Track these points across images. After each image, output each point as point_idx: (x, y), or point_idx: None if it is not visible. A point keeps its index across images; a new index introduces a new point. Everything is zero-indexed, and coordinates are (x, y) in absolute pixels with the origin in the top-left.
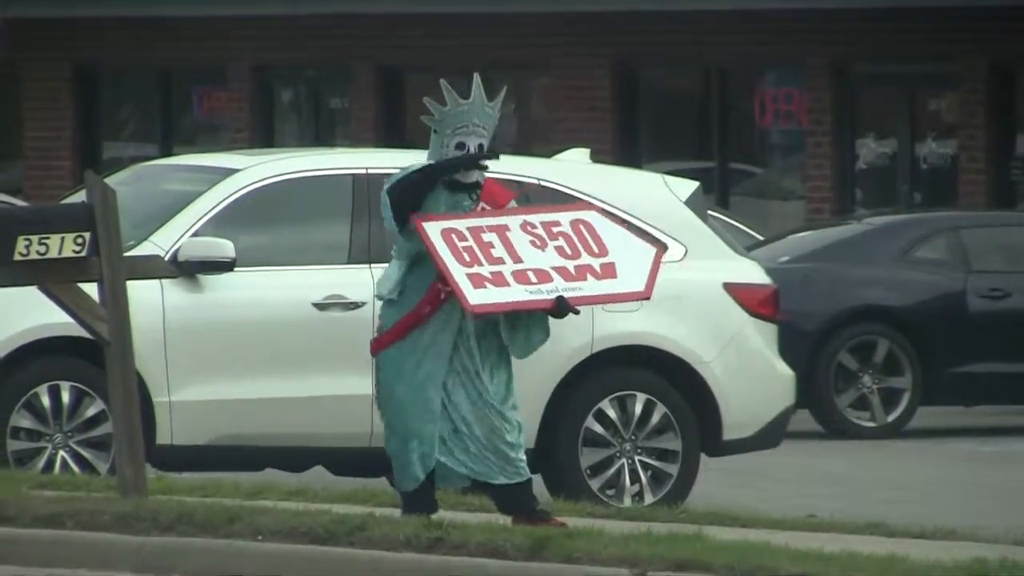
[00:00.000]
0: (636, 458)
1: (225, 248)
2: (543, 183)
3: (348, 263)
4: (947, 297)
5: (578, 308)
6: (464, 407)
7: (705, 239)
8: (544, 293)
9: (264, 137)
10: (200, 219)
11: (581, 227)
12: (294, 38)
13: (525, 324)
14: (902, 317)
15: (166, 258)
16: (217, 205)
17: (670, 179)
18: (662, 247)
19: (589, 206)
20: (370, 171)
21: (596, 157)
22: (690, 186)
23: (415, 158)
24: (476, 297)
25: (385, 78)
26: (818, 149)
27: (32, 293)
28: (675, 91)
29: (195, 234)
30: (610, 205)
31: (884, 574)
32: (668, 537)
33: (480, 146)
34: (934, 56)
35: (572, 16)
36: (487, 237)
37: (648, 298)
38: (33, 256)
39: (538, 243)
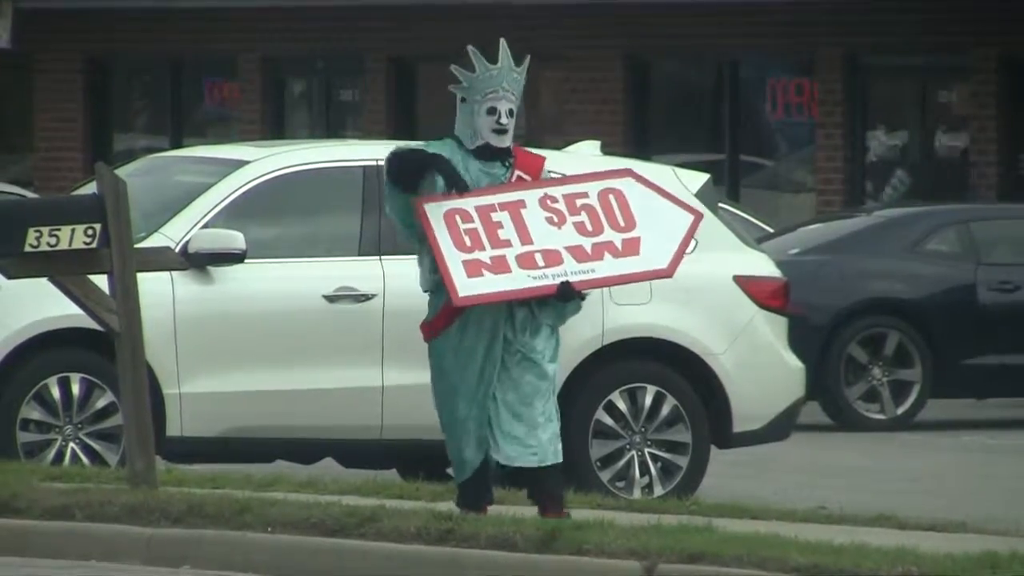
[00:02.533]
0: (646, 450)
1: (235, 240)
2: (552, 175)
3: (359, 255)
4: (957, 289)
5: (585, 293)
6: (510, 387)
7: (716, 231)
8: (550, 278)
9: (275, 129)
10: (211, 211)
11: (610, 197)
12: (305, 29)
13: (553, 300)
14: (912, 309)
15: (176, 250)
16: (227, 197)
17: (681, 171)
18: (699, 215)
19: (625, 172)
20: (380, 162)
21: (607, 149)
22: (701, 178)
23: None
24: (466, 288)
25: (396, 69)
26: (828, 141)
27: (43, 285)
28: (686, 83)
29: (205, 226)
30: None
31: (894, 566)
32: (678, 529)
33: (510, 111)
34: (945, 47)
35: (584, 8)
36: (497, 216)
37: (670, 276)
38: (44, 248)
39: (555, 220)
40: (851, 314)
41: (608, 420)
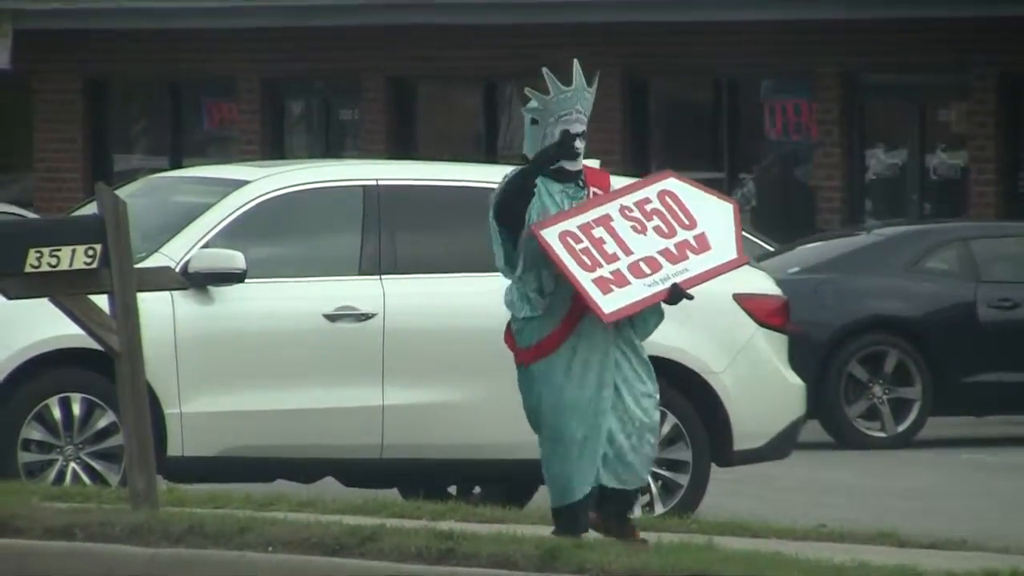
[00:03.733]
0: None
1: (235, 260)
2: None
3: (359, 274)
4: (957, 307)
5: (691, 293)
6: (621, 409)
7: None
8: (660, 283)
9: (274, 149)
10: (211, 231)
11: (667, 198)
12: (304, 50)
13: (641, 311)
14: (912, 327)
15: (177, 270)
16: (227, 217)
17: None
18: (735, 201)
19: (665, 174)
20: (380, 182)
21: (606, 167)
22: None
23: (425, 170)
24: (608, 304)
25: (395, 89)
26: (827, 160)
27: (43, 305)
28: (685, 102)
29: (205, 246)
30: None
31: None
32: (679, 547)
33: (583, 133)
34: (944, 67)
35: (582, 27)
36: (597, 233)
37: (746, 263)
38: (44, 268)
39: (639, 227)
40: (851, 332)
41: None
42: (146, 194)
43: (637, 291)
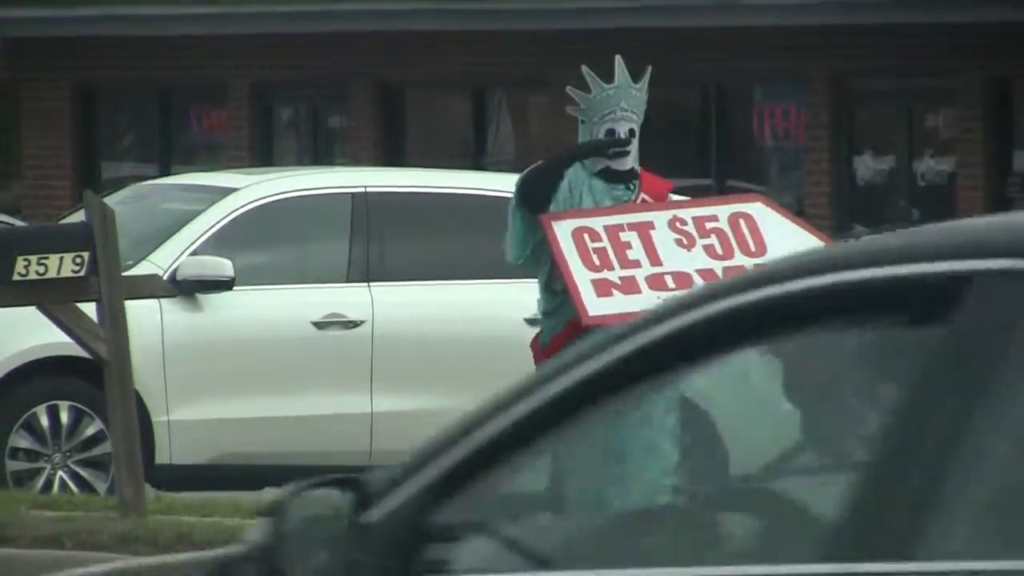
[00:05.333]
0: None
1: (224, 267)
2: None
3: (347, 282)
4: None
5: None
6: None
7: None
8: None
9: (263, 156)
10: (199, 238)
11: (740, 221)
12: (293, 57)
13: None
14: None
15: (165, 277)
16: (216, 224)
17: None
18: (829, 240)
19: (754, 196)
20: (368, 189)
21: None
22: None
23: (414, 177)
24: (596, 307)
25: (384, 96)
26: (816, 166)
27: (31, 313)
28: (672, 108)
29: (194, 253)
30: None
31: None
32: None
33: (631, 131)
34: (931, 71)
35: (569, 33)
36: (625, 236)
37: None
38: (32, 276)
39: (685, 242)
40: None
41: None
42: (134, 201)
43: (646, 301)
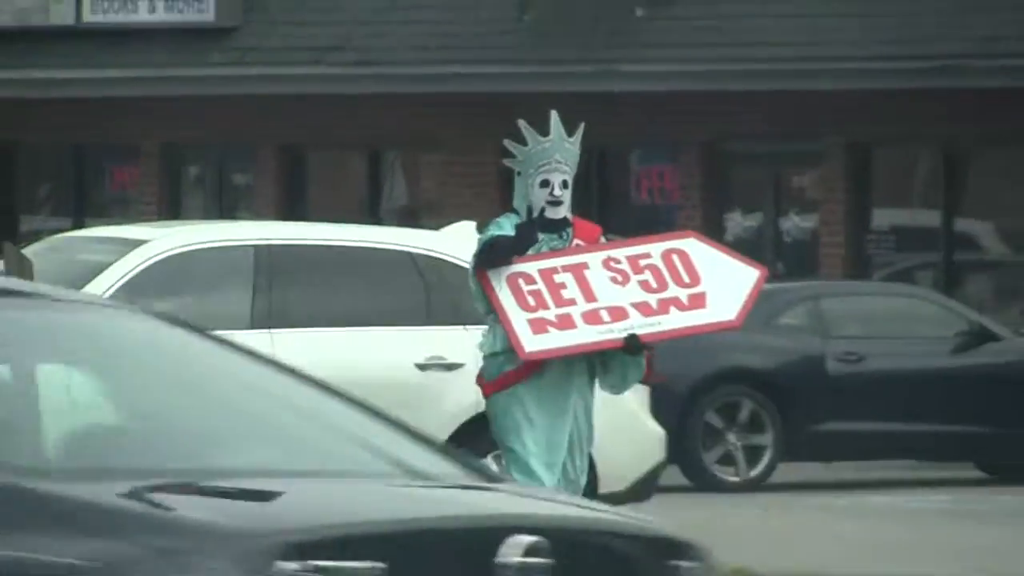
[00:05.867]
0: None
1: None
2: (431, 254)
3: (250, 328)
4: (807, 360)
5: (652, 345)
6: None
7: None
8: (616, 332)
9: (172, 210)
10: (111, 287)
11: (674, 256)
12: (201, 117)
13: (620, 363)
14: (765, 379)
15: None
16: (127, 274)
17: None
18: (764, 270)
19: (686, 233)
20: (271, 242)
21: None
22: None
23: (313, 231)
24: (532, 344)
25: (287, 156)
26: (689, 223)
27: None
28: None
29: None
30: None
31: None
32: None
33: (564, 182)
34: (797, 135)
35: (464, 97)
36: (560, 278)
37: (738, 327)
38: None
39: (619, 279)
40: (709, 383)
41: None
42: (51, 253)
43: (582, 336)
